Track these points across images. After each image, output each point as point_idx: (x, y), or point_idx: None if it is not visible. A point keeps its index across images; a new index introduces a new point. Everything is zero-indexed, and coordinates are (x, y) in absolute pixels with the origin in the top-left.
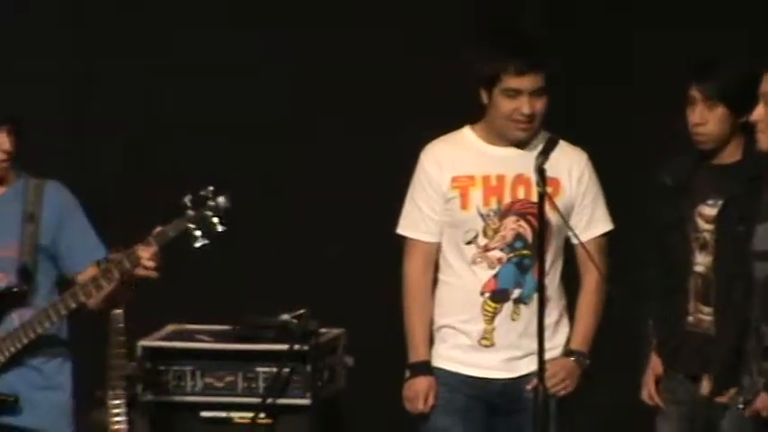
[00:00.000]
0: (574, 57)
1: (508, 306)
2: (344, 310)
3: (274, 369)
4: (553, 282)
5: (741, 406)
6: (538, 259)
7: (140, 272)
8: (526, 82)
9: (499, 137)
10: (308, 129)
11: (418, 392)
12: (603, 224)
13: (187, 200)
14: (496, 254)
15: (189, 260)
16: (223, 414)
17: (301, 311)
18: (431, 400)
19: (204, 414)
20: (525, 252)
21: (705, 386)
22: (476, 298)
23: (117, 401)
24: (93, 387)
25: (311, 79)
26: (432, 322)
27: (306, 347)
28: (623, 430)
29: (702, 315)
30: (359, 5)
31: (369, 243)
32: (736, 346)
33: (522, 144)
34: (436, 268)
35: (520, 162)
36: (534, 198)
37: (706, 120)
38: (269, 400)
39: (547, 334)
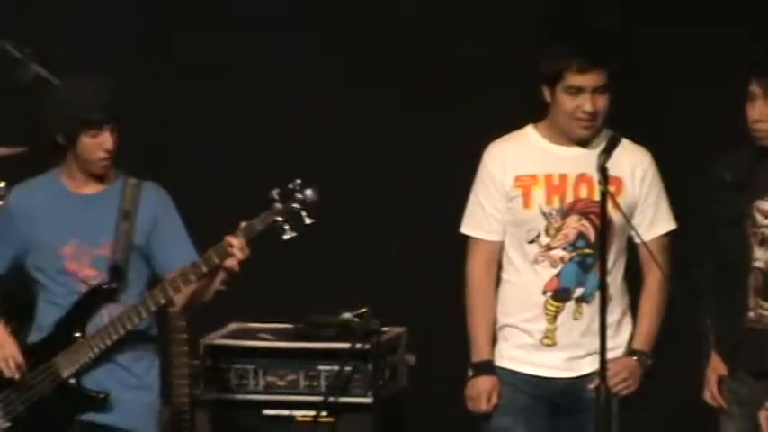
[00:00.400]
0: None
1: (570, 305)
2: (406, 308)
3: (336, 367)
4: (615, 281)
5: None
6: (600, 258)
7: (228, 263)
8: (588, 79)
9: (562, 135)
10: (369, 126)
11: (481, 392)
12: (666, 223)
13: (275, 193)
14: (559, 253)
15: (252, 258)
16: (285, 412)
17: (363, 310)
18: (493, 400)
19: (266, 412)
20: (587, 251)
21: None
22: (538, 297)
23: (180, 400)
24: None
25: (374, 76)
26: (494, 321)
27: (367, 346)
28: (686, 430)
29: (763, 311)
30: (423, 4)
31: (432, 241)
32: None
33: (584, 142)
34: (499, 267)
35: (583, 161)
36: (596, 197)
37: (766, 116)
38: (331, 399)
39: (609, 333)
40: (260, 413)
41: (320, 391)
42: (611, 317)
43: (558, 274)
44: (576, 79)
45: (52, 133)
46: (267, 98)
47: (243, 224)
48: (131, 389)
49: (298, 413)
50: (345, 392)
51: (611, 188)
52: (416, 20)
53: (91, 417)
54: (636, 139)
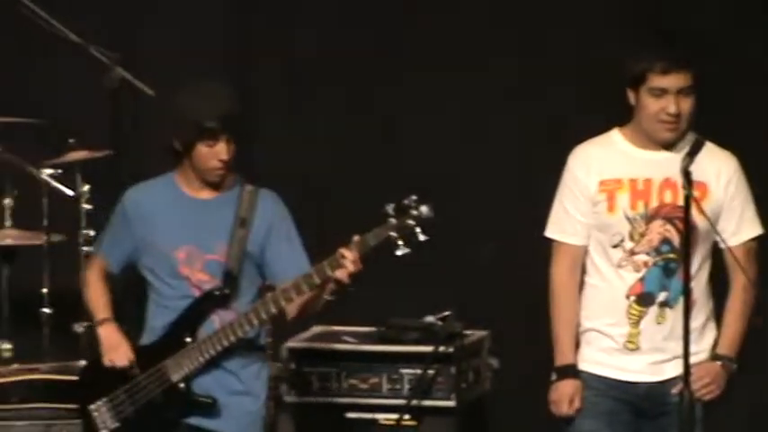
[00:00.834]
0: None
1: (653, 310)
2: (490, 312)
3: (419, 371)
4: (699, 285)
5: None
6: (683, 263)
7: (339, 275)
8: (672, 80)
9: (647, 139)
10: (460, 133)
11: (564, 395)
12: (752, 229)
13: (390, 208)
14: (642, 257)
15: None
16: (368, 416)
17: (446, 313)
18: (576, 404)
19: (349, 415)
20: (671, 256)
21: None
22: (621, 301)
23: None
24: None
25: (460, 80)
26: (578, 325)
27: (450, 349)
28: None
29: None
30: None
31: (515, 245)
32: None
33: (669, 146)
34: (583, 271)
35: (667, 165)
36: (681, 202)
37: None
38: (413, 402)
39: (693, 337)
40: (342, 416)
41: (403, 394)
42: (695, 322)
43: (641, 279)
44: (659, 81)
45: (170, 138)
46: (383, 110)
47: (356, 237)
48: (238, 395)
49: (380, 416)
50: (428, 396)
51: (696, 193)
52: (501, 20)
53: (197, 421)
54: (723, 143)
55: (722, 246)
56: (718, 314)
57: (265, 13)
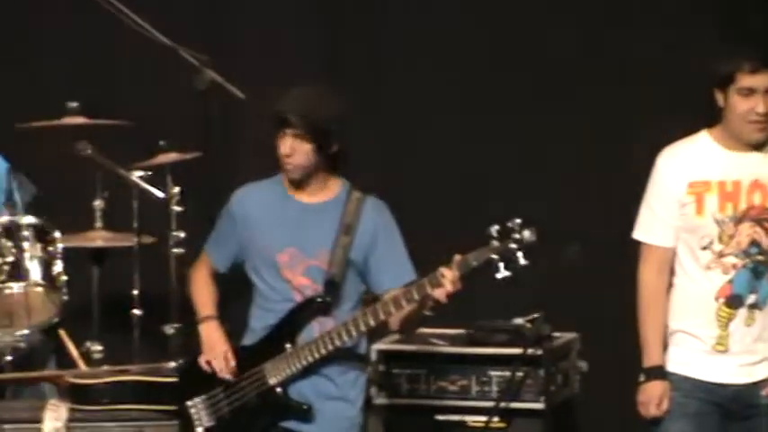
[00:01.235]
0: None
1: (743, 312)
2: (578, 314)
3: (507, 373)
4: None
5: None
6: None
7: (437, 293)
8: (761, 80)
9: (736, 140)
10: (542, 133)
11: (652, 397)
12: None
13: (494, 230)
14: (731, 260)
15: (425, 265)
16: (456, 417)
17: (535, 315)
18: (664, 405)
19: (438, 417)
20: (760, 258)
21: None
22: (710, 303)
23: None
24: None
25: (543, 81)
26: (666, 326)
27: (539, 352)
28: None
29: None
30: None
31: (603, 247)
32: None
33: (758, 146)
34: (671, 272)
35: (756, 166)
36: None
37: None
38: (502, 404)
39: None
40: (432, 418)
41: (492, 396)
42: None
43: (730, 281)
44: (748, 80)
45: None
46: (463, 111)
47: (458, 257)
48: (334, 401)
49: (469, 418)
50: (517, 398)
51: None
52: (590, 20)
53: (292, 425)
54: None
55: None
56: None
57: (353, 13)
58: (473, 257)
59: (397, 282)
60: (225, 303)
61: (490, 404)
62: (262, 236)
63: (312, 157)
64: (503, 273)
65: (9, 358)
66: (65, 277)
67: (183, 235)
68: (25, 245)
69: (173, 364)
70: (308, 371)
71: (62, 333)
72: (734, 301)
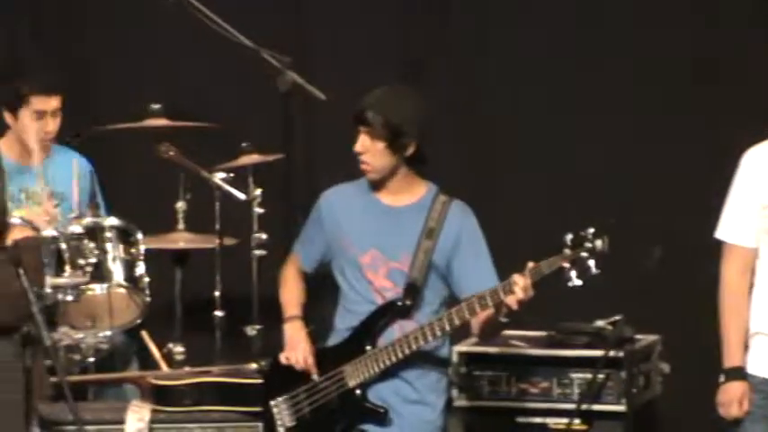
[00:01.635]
0: None
1: None
2: (660, 316)
3: (589, 375)
4: None
5: None
6: None
7: (508, 300)
8: None
9: None
10: (632, 134)
11: (732, 398)
12: None
13: (568, 238)
14: None
15: (507, 267)
16: (538, 420)
17: (617, 317)
18: (745, 406)
19: (519, 419)
20: None
21: None
22: None
23: None
24: None
25: (620, 82)
26: (747, 328)
27: (621, 354)
28: None
29: None
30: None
31: (685, 247)
32: None
33: None
34: (753, 273)
35: None
36: None
37: None
38: (584, 407)
39: None
40: (513, 420)
41: (573, 398)
42: None
43: None
44: None
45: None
46: (556, 111)
47: (530, 265)
48: (413, 404)
49: (550, 421)
50: (598, 400)
51: None
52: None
53: (370, 428)
54: None
55: None
56: None
57: (438, 14)
58: (545, 265)
59: (479, 287)
60: (316, 304)
61: (571, 406)
62: (346, 237)
63: (386, 157)
64: (574, 281)
65: (92, 359)
66: (147, 279)
67: (264, 237)
68: (108, 246)
69: (254, 366)
70: (388, 374)
71: (144, 334)
72: None
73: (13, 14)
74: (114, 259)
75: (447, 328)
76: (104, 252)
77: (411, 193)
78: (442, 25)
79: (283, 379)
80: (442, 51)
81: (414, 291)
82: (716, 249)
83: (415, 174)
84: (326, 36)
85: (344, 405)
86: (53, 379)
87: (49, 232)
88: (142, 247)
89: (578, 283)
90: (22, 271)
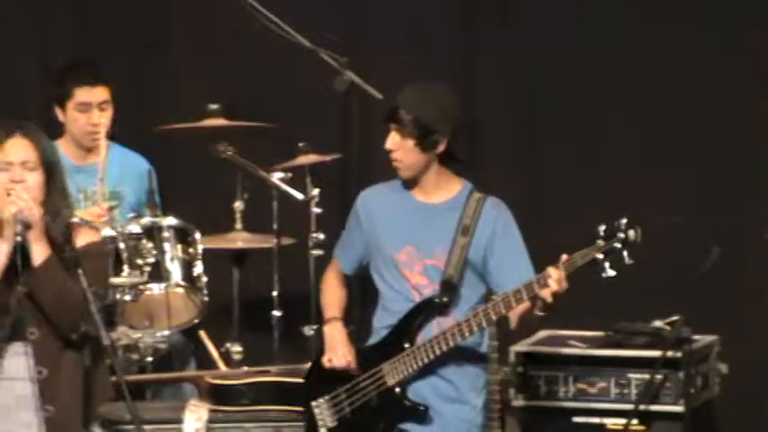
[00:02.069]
0: None
1: None
2: (718, 316)
3: (647, 376)
4: None
5: None
6: None
7: (543, 293)
8: None
9: None
10: (682, 134)
11: None
12: None
13: (601, 230)
14: None
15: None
16: (595, 420)
17: (675, 318)
18: None
19: (576, 420)
20: None
21: None
22: None
23: (491, 406)
24: None
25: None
26: None
27: (679, 354)
28: None
29: None
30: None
31: (744, 248)
32: None
33: None
34: None
35: None
36: None
37: None
38: (641, 407)
39: None
40: (570, 420)
41: (631, 399)
42: None
43: None
44: None
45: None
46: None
47: (564, 257)
48: (451, 402)
49: (608, 421)
50: (656, 401)
51: None
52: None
53: (411, 427)
54: None
55: None
56: None
57: (489, 14)
58: (579, 257)
59: (516, 281)
60: (358, 307)
61: (629, 407)
62: (382, 235)
63: (416, 154)
64: (608, 272)
65: (150, 359)
66: (205, 278)
67: (322, 236)
68: (166, 246)
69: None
70: (427, 372)
71: (202, 334)
72: None
73: (72, 15)
74: (172, 259)
75: (484, 323)
76: (162, 252)
77: (445, 190)
78: (497, 25)
79: (324, 380)
80: (497, 51)
81: (450, 287)
82: None
83: (450, 171)
84: (384, 36)
85: (384, 404)
86: (112, 378)
87: (107, 232)
88: (200, 247)
89: (612, 273)
90: (81, 271)
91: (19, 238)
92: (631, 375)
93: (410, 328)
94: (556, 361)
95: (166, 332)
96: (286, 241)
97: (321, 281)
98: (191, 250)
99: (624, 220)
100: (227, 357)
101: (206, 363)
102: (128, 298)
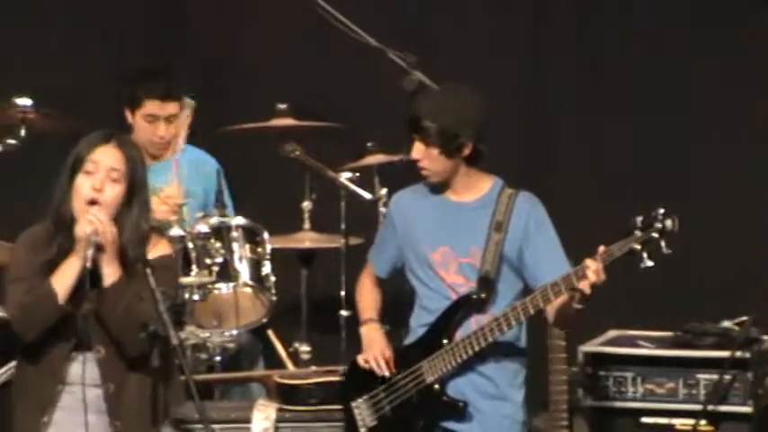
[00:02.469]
0: None
1: None
2: None
3: (715, 376)
4: None
5: None
6: None
7: (581, 285)
8: None
9: None
10: (735, 132)
11: None
12: None
13: (638, 220)
14: None
15: (632, 266)
16: (664, 420)
17: (744, 318)
18: None
19: (644, 420)
20: None
21: None
22: None
23: (558, 406)
24: (534, 392)
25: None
26: None
27: (748, 355)
28: None
29: None
30: None
31: None
32: None
33: None
34: None
35: None
36: None
37: None
38: (710, 408)
39: None
40: (638, 421)
41: (699, 399)
42: None
43: None
44: None
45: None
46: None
47: (602, 249)
48: (491, 399)
49: (676, 421)
50: (725, 401)
51: None
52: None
53: (451, 425)
54: None
55: None
56: None
57: (565, 14)
58: (616, 248)
59: (552, 274)
60: (395, 308)
61: (697, 407)
62: (416, 236)
63: (443, 162)
64: (646, 262)
65: (218, 358)
66: (273, 278)
67: None
68: (235, 246)
69: None
70: (466, 369)
71: (271, 333)
72: None
73: (145, 16)
74: (241, 259)
75: (522, 317)
76: (231, 251)
77: (476, 189)
78: (567, 25)
79: (363, 380)
80: (567, 51)
81: (487, 283)
82: None
83: (479, 170)
84: (451, 35)
85: (424, 401)
86: (181, 378)
87: (176, 232)
88: (268, 247)
89: (650, 264)
90: (149, 270)
91: (89, 263)
92: (700, 376)
93: (448, 325)
94: (624, 361)
95: (235, 332)
96: (354, 241)
97: (357, 285)
98: (259, 250)
99: (661, 210)
100: (295, 357)
101: (274, 362)
102: (196, 297)
